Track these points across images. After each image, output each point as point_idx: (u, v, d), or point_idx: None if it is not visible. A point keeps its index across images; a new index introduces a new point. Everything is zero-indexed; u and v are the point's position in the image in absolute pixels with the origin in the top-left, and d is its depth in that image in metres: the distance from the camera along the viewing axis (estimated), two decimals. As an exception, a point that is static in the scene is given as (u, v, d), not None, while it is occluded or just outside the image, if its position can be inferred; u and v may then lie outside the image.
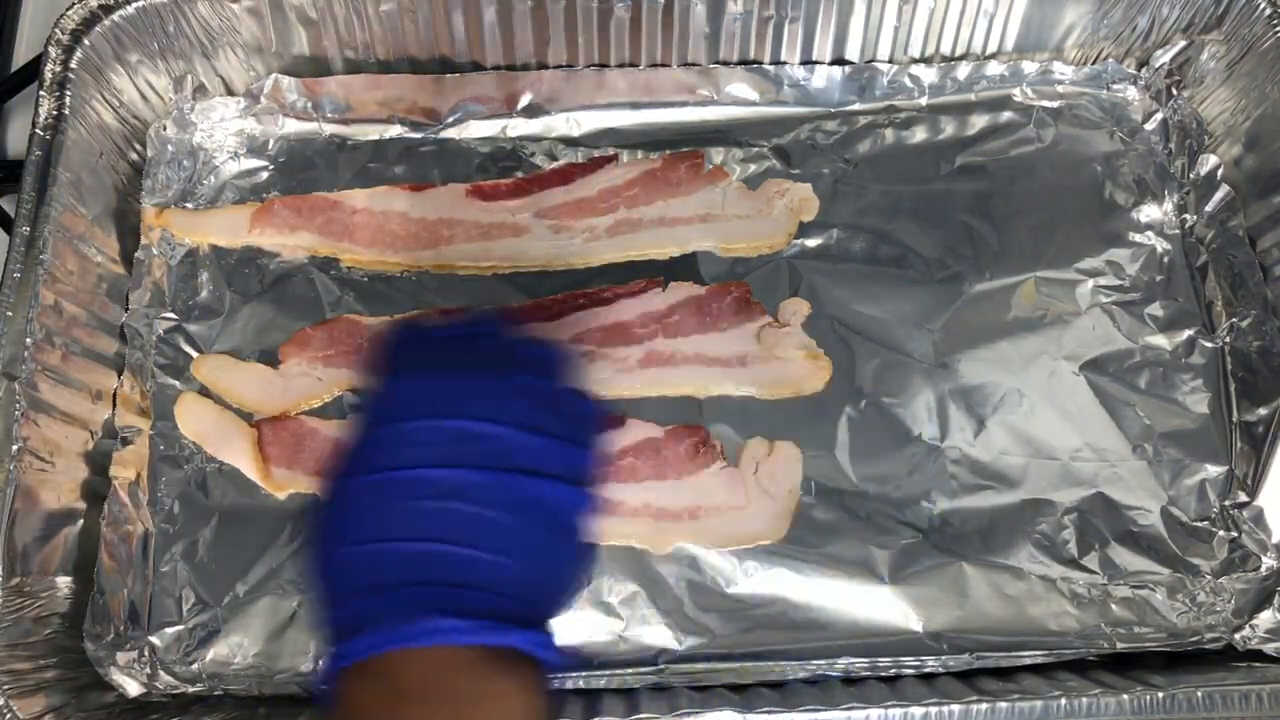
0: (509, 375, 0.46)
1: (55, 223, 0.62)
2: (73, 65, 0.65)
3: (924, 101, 0.75)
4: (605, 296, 0.69)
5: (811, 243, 0.71)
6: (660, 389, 0.67)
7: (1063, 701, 0.56)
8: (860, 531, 0.64)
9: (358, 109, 0.74)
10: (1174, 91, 0.75)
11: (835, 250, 0.71)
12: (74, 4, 0.66)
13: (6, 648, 0.56)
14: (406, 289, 0.70)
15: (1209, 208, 0.71)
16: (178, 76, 0.71)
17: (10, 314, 0.60)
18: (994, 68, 0.75)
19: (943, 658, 0.61)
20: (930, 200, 0.72)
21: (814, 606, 0.62)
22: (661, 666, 0.61)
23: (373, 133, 0.74)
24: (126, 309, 0.68)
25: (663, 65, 0.75)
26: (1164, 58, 0.74)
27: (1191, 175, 0.73)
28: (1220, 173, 0.71)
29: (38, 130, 0.64)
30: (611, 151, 0.74)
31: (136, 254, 0.69)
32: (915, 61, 0.75)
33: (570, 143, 0.74)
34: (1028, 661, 0.61)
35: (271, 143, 0.73)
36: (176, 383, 0.66)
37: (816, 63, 0.75)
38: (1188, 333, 0.69)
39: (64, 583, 0.60)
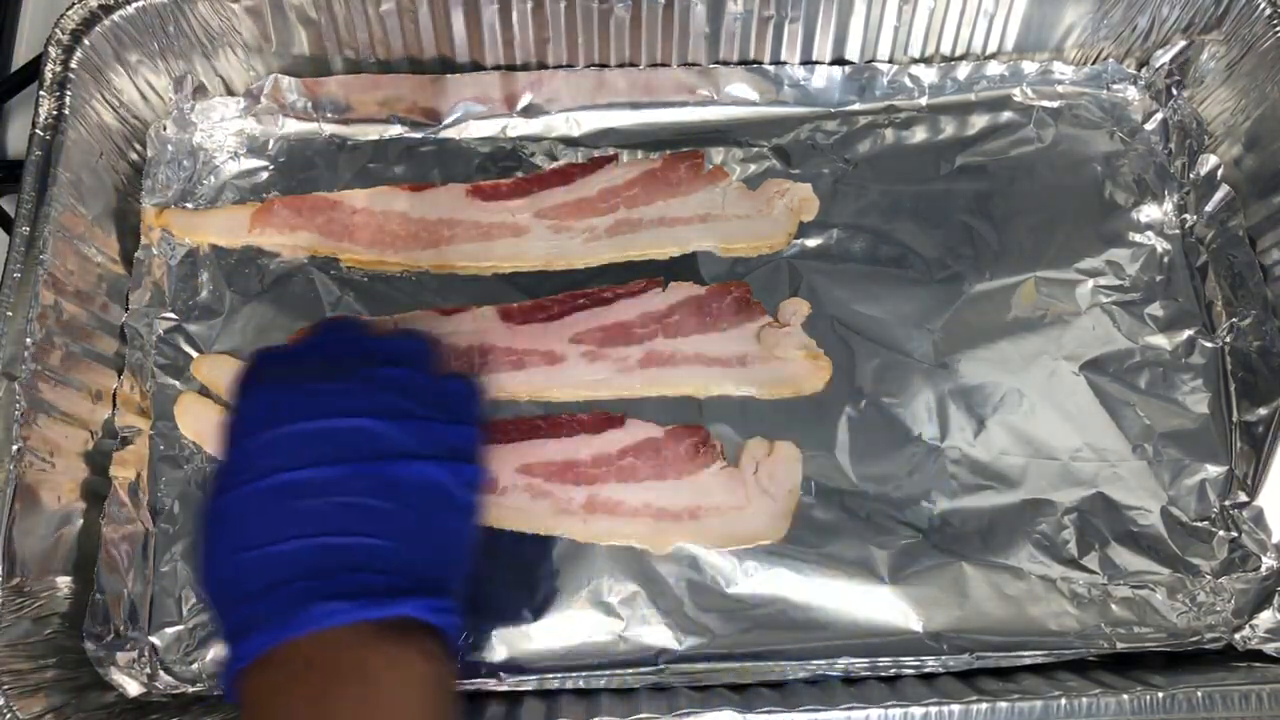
0: (371, 371, 0.49)
1: (55, 223, 0.62)
2: (73, 65, 0.66)
3: (924, 101, 0.75)
4: (605, 296, 0.69)
5: (811, 243, 0.71)
6: (660, 389, 0.67)
7: (1063, 701, 0.56)
8: (860, 531, 0.64)
9: (358, 109, 0.74)
10: (1174, 91, 0.75)
11: (835, 250, 0.71)
12: (74, 4, 0.66)
13: (6, 648, 0.56)
14: (406, 289, 0.70)
15: (1209, 208, 0.71)
16: (178, 76, 0.72)
17: (10, 314, 0.60)
18: (994, 68, 0.75)
19: (943, 658, 0.61)
20: (930, 200, 0.72)
21: (814, 606, 0.62)
22: (661, 666, 0.61)
23: (373, 133, 0.74)
24: (126, 309, 0.68)
25: (663, 65, 0.75)
26: (1164, 58, 0.74)
27: (1191, 175, 0.73)
28: (1220, 173, 0.71)
29: (38, 130, 0.64)
30: (611, 151, 0.74)
31: (136, 254, 0.69)
32: (915, 61, 0.75)
33: (570, 143, 0.74)
34: (1028, 661, 0.61)
35: (271, 143, 0.73)
36: (176, 383, 0.66)
37: (816, 63, 0.75)
38: (1188, 333, 0.69)
39: (64, 583, 0.60)
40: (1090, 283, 0.70)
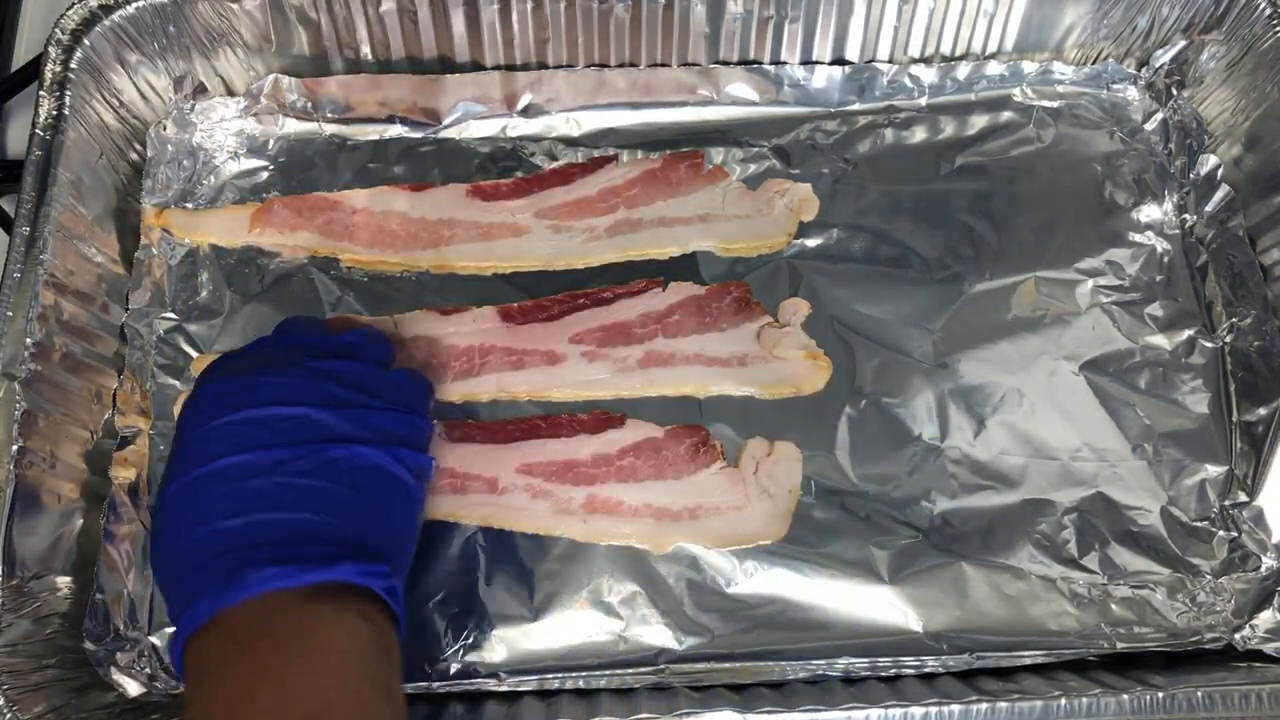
0: (314, 363, 0.53)
1: (55, 223, 0.62)
2: (73, 65, 0.66)
3: (924, 101, 0.75)
4: (605, 296, 0.69)
5: (811, 243, 0.71)
6: (660, 389, 0.67)
7: (1063, 701, 0.57)
8: (860, 531, 0.64)
9: (358, 109, 0.74)
10: (1174, 91, 0.75)
11: (835, 250, 0.71)
12: (74, 4, 0.66)
13: (6, 648, 0.56)
14: (406, 289, 0.70)
15: (1209, 208, 0.71)
16: (178, 76, 0.72)
17: (10, 314, 0.60)
18: (994, 68, 0.75)
19: (943, 658, 0.61)
20: (930, 200, 0.72)
21: (814, 606, 0.62)
22: (661, 666, 0.61)
23: (373, 133, 0.74)
24: (126, 309, 0.68)
25: (663, 65, 0.75)
26: (1164, 58, 0.74)
27: (1191, 175, 0.73)
28: (1220, 173, 0.71)
29: (38, 130, 0.64)
30: (611, 151, 0.74)
31: (136, 254, 0.69)
32: (915, 61, 0.75)
33: (570, 143, 0.74)
34: (1028, 661, 0.61)
35: (271, 143, 0.73)
36: (176, 383, 0.66)
37: (816, 63, 0.75)
38: (1188, 333, 0.69)
39: (64, 583, 0.60)
40: (1090, 283, 0.70)
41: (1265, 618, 0.63)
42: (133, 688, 0.60)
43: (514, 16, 0.71)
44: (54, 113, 0.64)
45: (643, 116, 0.75)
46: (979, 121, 0.75)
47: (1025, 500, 0.65)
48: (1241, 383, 0.68)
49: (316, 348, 0.56)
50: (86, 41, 0.66)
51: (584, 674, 0.61)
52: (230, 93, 0.74)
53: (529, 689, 0.61)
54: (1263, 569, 0.64)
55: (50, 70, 0.65)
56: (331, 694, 0.44)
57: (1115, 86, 0.76)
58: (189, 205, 0.71)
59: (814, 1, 0.71)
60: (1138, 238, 0.71)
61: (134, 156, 0.71)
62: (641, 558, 0.63)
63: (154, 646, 0.61)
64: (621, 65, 0.75)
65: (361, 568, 0.47)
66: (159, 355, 0.67)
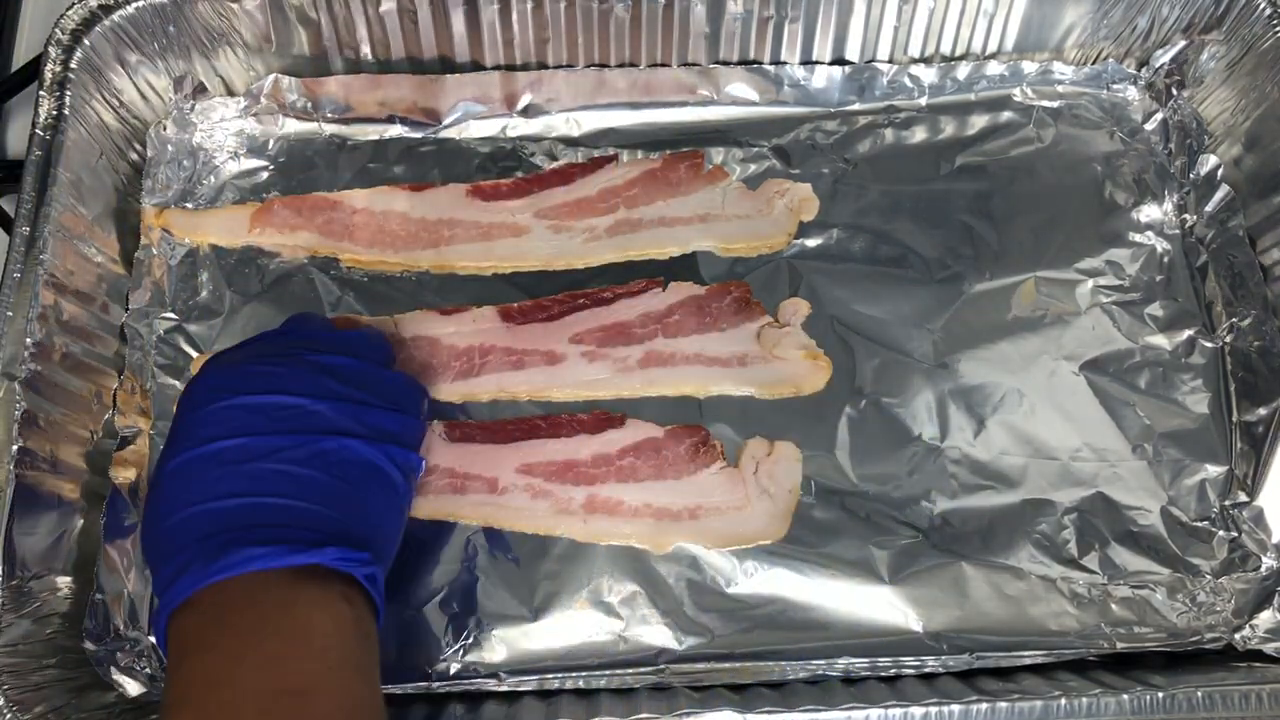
0: (313, 358, 0.54)
1: (55, 223, 0.62)
2: (73, 65, 0.66)
3: (924, 101, 0.75)
4: (605, 296, 0.69)
5: (811, 243, 0.71)
6: (660, 389, 0.67)
7: (1063, 701, 0.57)
8: (860, 531, 0.64)
9: (358, 109, 0.74)
10: (1174, 91, 0.75)
11: (835, 250, 0.71)
12: (74, 4, 0.66)
13: (6, 648, 0.56)
14: (406, 289, 0.70)
15: (1209, 208, 0.71)
16: (178, 76, 0.72)
17: (10, 314, 0.60)
18: (994, 68, 0.75)
19: (943, 658, 0.61)
20: (930, 200, 0.72)
21: (814, 606, 0.62)
22: (661, 666, 0.61)
23: (373, 133, 0.74)
24: (126, 309, 0.68)
25: (663, 65, 0.75)
26: (1164, 58, 0.74)
27: (1191, 175, 0.73)
28: (1220, 173, 0.71)
29: (38, 130, 0.64)
30: (611, 151, 0.74)
31: (136, 254, 0.69)
32: (915, 61, 0.75)
33: (570, 143, 0.74)
34: (1028, 661, 0.61)
35: (271, 143, 0.73)
36: (176, 383, 0.66)
37: (816, 63, 0.75)
38: (1188, 333, 0.69)
39: (64, 583, 0.60)
40: (1090, 283, 0.70)
41: (1265, 618, 0.63)
42: (133, 688, 0.60)
43: (514, 16, 0.71)
44: (54, 113, 0.64)
45: (643, 116, 0.75)
46: (979, 121, 0.75)
47: (1025, 500, 0.65)
48: (1241, 383, 0.68)
49: (317, 342, 0.57)
50: (86, 41, 0.66)
51: (584, 674, 0.61)
52: (230, 93, 0.74)
53: (529, 689, 0.61)
54: (1263, 569, 0.64)
55: (50, 70, 0.65)
56: (315, 673, 0.45)
57: (1115, 86, 0.76)
58: (189, 205, 0.71)
59: (814, 1, 0.71)
60: (1138, 238, 0.71)
61: (134, 156, 0.71)
62: (641, 558, 0.63)
63: (154, 646, 0.61)
64: (621, 65, 0.75)
65: (346, 554, 0.49)
66: (159, 355, 0.67)
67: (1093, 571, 0.63)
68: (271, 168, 0.72)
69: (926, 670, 0.61)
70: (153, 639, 0.61)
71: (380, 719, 0.48)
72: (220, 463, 0.50)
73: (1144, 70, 0.76)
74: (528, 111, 0.74)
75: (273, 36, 0.71)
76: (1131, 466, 0.66)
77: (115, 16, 0.67)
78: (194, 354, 0.67)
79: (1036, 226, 0.71)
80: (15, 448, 0.57)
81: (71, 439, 0.62)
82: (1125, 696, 0.57)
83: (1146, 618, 0.62)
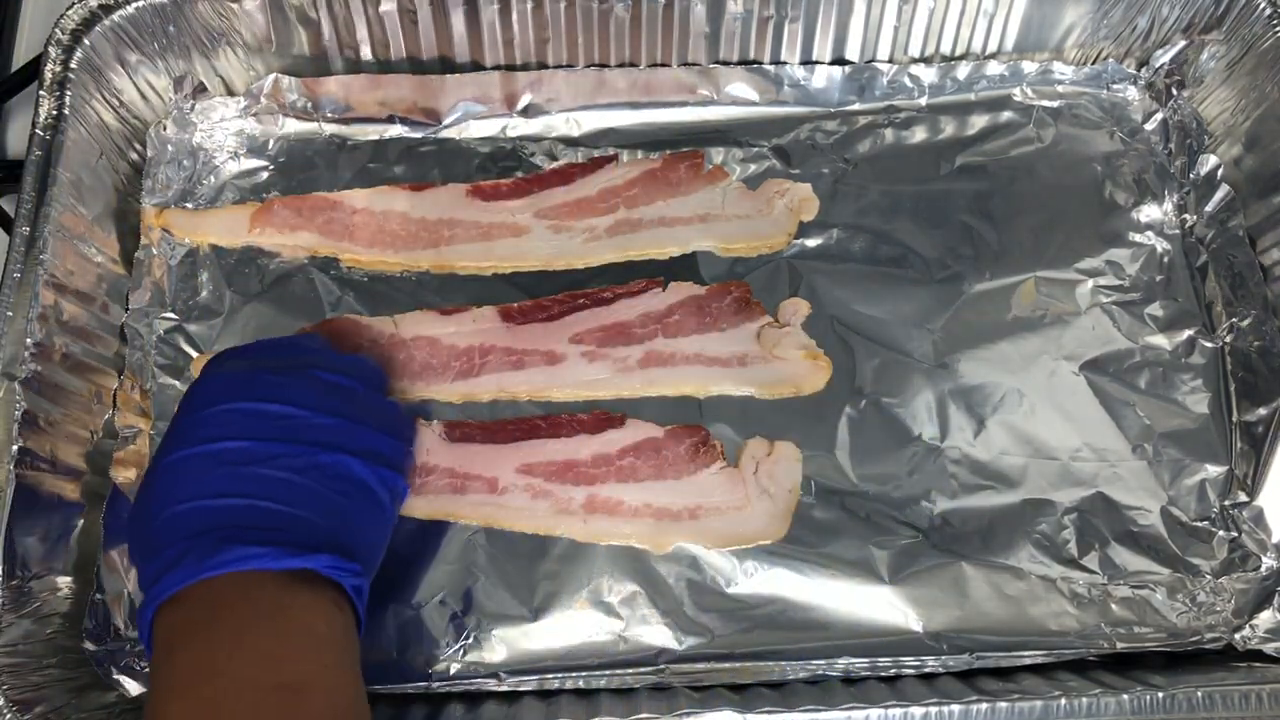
0: (316, 373, 0.55)
1: (55, 223, 0.62)
2: (73, 65, 0.66)
3: (924, 101, 0.75)
4: (605, 296, 0.69)
5: (811, 243, 0.71)
6: (660, 389, 0.67)
7: (1063, 701, 0.57)
8: (860, 531, 0.64)
9: (358, 109, 0.74)
10: (1174, 91, 0.75)
11: (835, 250, 0.71)
12: (74, 4, 0.66)
13: (6, 648, 0.56)
14: (406, 289, 0.70)
15: (1209, 208, 0.71)
16: (178, 76, 0.72)
17: (10, 314, 0.60)
18: (994, 68, 0.75)
19: (943, 658, 0.61)
20: (930, 200, 0.72)
21: (814, 606, 0.62)
22: (661, 666, 0.61)
23: (373, 133, 0.74)
24: (126, 309, 0.68)
25: (663, 65, 0.75)
26: (1164, 58, 0.74)
27: (1191, 175, 0.73)
28: (1220, 173, 0.71)
29: (38, 130, 0.64)
30: (611, 151, 0.74)
31: (136, 254, 0.69)
32: (915, 61, 0.75)
33: (570, 143, 0.74)
34: (1028, 661, 0.61)
35: (271, 143, 0.73)
36: (176, 383, 0.66)
37: (816, 63, 0.75)
38: (1188, 333, 0.69)
39: (64, 583, 0.60)
40: (1090, 283, 0.70)
41: (1265, 618, 0.63)
42: (133, 688, 0.60)
43: (514, 16, 0.71)
44: (54, 113, 0.64)
45: (643, 116, 0.75)
46: (979, 121, 0.75)
47: (1025, 500, 0.65)
48: (1241, 383, 0.68)
49: (321, 360, 0.57)
50: (86, 41, 0.66)
51: (584, 674, 0.61)
52: (230, 93, 0.74)
53: (529, 689, 0.61)
54: (1263, 569, 0.64)
55: (50, 70, 0.65)
56: (310, 671, 0.46)
57: (1115, 86, 0.76)
58: (189, 205, 0.71)
59: (814, 1, 0.71)
60: (1138, 238, 0.71)
61: (134, 156, 0.71)
62: (641, 558, 0.63)
63: (154, 646, 0.61)
64: (621, 65, 0.75)
65: (339, 562, 0.50)
66: (159, 355, 0.67)
67: (1093, 571, 0.63)
68: (271, 168, 0.72)
69: (926, 670, 0.61)
70: (153, 639, 0.61)
71: None
72: (219, 462, 0.50)
73: (1144, 70, 0.76)
74: (528, 111, 0.74)
75: (273, 36, 0.71)
76: (1131, 466, 0.66)
77: (115, 16, 0.67)
78: (194, 354, 0.67)
79: (1036, 226, 0.71)
80: (15, 448, 0.58)
81: (71, 439, 0.62)
82: (1125, 696, 0.57)
83: (1146, 618, 0.62)
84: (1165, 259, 0.71)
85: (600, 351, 0.67)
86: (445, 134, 0.74)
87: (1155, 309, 0.69)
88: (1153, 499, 0.65)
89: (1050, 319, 0.69)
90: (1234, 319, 0.69)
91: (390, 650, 0.60)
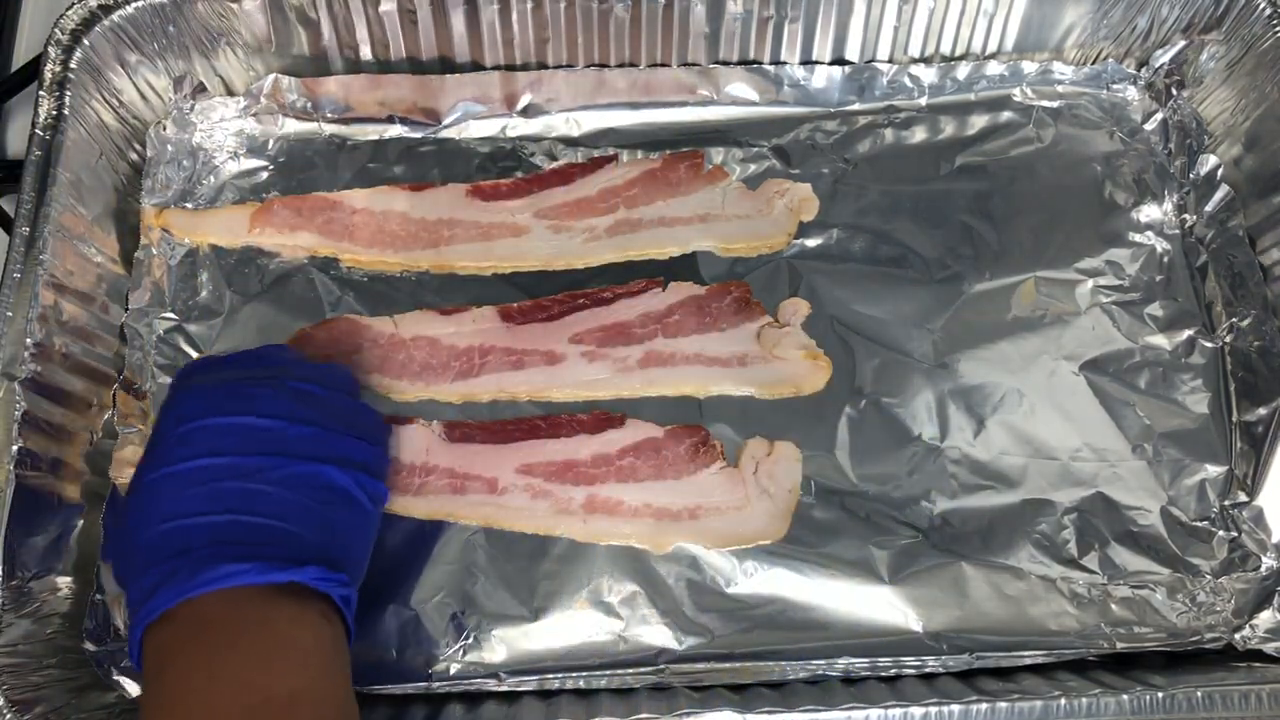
0: (291, 384, 0.55)
1: (55, 223, 0.62)
2: (73, 65, 0.66)
3: (924, 101, 0.75)
4: (605, 296, 0.69)
5: (811, 243, 0.71)
6: (660, 389, 0.67)
7: (1063, 701, 0.57)
8: (860, 531, 0.63)
9: (358, 109, 0.74)
10: (1174, 91, 0.75)
11: (835, 250, 0.71)
12: (74, 4, 0.66)
13: (6, 648, 0.56)
14: (406, 289, 0.70)
15: (1209, 208, 0.71)
16: (178, 76, 0.72)
17: (10, 314, 0.60)
18: (994, 68, 0.75)
19: (943, 658, 0.61)
20: (930, 200, 0.72)
21: (814, 606, 0.62)
22: (661, 666, 0.61)
23: (373, 133, 0.74)
24: (126, 309, 0.68)
25: (663, 65, 0.75)
26: (1164, 58, 0.74)
27: (1191, 175, 0.73)
28: (1220, 173, 0.71)
29: (38, 130, 0.64)
30: (611, 151, 0.74)
31: (136, 254, 0.69)
32: (915, 61, 0.75)
33: (570, 143, 0.74)
34: (1028, 661, 0.61)
35: (271, 143, 0.73)
36: (176, 383, 0.66)
37: (816, 63, 0.75)
38: (1188, 333, 0.69)
39: (64, 583, 0.60)
40: (1090, 283, 0.70)
41: (1265, 618, 0.63)
42: (133, 688, 0.60)
43: (514, 16, 0.71)
44: (54, 113, 0.64)
45: (643, 116, 0.75)
46: (979, 121, 0.75)
47: (1025, 500, 0.65)
48: (1241, 383, 0.68)
49: (291, 370, 0.57)
50: (86, 41, 0.66)
51: (584, 674, 0.61)
52: (230, 93, 0.74)
53: (529, 689, 0.61)
54: (1263, 569, 0.64)
55: (50, 70, 0.65)
56: (297, 684, 0.46)
57: (1115, 86, 0.76)
58: (189, 205, 0.71)
59: (814, 1, 0.71)
60: (1138, 238, 0.71)
61: (134, 156, 0.71)
62: (641, 558, 0.63)
63: (154, 646, 0.61)
64: (621, 65, 0.75)
65: (325, 573, 0.50)
66: (159, 355, 0.67)
67: (1093, 571, 0.63)
68: (271, 168, 0.72)
69: (926, 670, 0.61)
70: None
71: None
72: (198, 480, 0.50)
73: (1144, 70, 0.76)
74: (528, 111, 0.74)
75: (273, 36, 0.71)
76: (1131, 466, 0.66)
77: (115, 16, 0.67)
78: (194, 354, 0.67)
79: (1036, 226, 0.71)
80: (15, 448, 0.57)
81: (71, 439, 0.62)
82: (1125, 696, 0.57)
83: (1146, 618, 0.62)
84: (1165, 259, 0.71)
85: (600, 351, 0.67)
86: (445, 134, 0.74)
87: (1155, 309, 0.69)
88: (1153, 499, 0.65)
89: (1050, 319, 0.69)
90: (1234, 319, 0.69)
91: (390, 650, 0.60)
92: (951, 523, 0.64)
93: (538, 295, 0.69)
